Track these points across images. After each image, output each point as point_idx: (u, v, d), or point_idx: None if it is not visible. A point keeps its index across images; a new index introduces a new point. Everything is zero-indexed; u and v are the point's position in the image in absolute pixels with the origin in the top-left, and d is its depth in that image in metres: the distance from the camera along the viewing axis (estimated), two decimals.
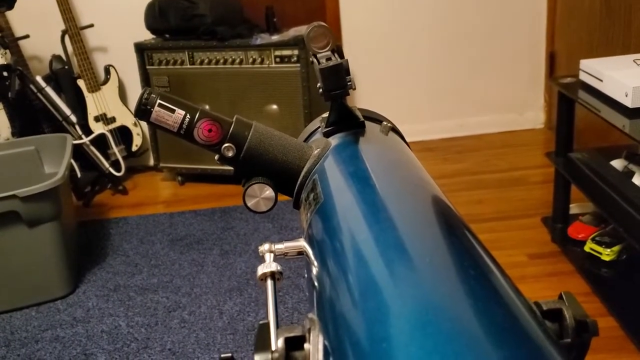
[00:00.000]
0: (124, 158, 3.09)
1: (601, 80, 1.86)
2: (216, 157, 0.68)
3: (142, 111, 0.65)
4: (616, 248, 1.98)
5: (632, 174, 1.89)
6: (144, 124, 3.17)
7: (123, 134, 3.15)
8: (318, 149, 0.68)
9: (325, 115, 0.73)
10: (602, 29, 2.66)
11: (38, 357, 1.89)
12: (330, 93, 0.67)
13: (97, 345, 1.92)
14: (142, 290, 2.21)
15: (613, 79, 1.79)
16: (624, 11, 2.47)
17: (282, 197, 0.69)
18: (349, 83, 0.67)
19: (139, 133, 3.19)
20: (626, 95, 1.73)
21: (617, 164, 1.97)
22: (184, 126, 0.66)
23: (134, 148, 3.19)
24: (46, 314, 2.11)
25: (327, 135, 0.71)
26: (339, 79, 0.66)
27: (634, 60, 1.91)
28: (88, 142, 2.96)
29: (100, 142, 3.03)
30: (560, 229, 2.20)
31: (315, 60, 0.69)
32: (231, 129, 0.66)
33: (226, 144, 0.66)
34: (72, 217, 2.45)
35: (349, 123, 0.71)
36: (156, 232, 2.64)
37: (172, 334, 1.95)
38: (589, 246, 2.03)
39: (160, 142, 3.05)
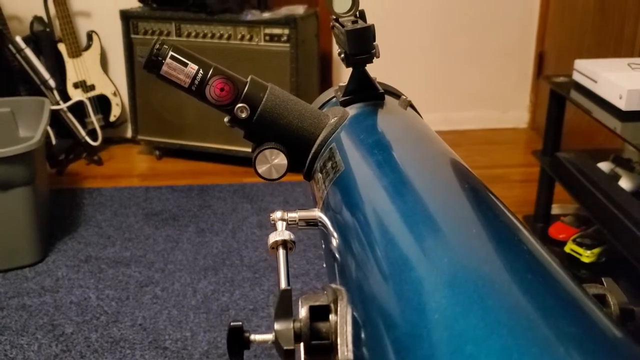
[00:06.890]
0: (101, 128, 3.00)
1: (595, 82, 1.85)
2: (226, 119, 0.65)
3: (153, 62, 0.61)
4: (596, 250, 1.98)
5: (618, 177, 1.89)
6: (124, 94, 3.08)
7: (102, 104, 3.06)
8: (335, 118, 0.65)
9: (342, 84, 0.70)
10: (594, 32, 2.66)
11: (3, 325, 1.82)
12: (355, 57, 0.63)
13: (65, 316, 1.86)
14: (114, 263, 2.15)
15: (608, 81, 1.79)
16: (617, 16, 2.47)
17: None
18: (373, 50, 0.64)
19: (118, 103, 3.11)
20: (620, 98, 1.72)
21: (604, 166, 1.97)
22: (196, 82, 0.61)
23: (112, 118, 3.10)
24: (13, 281, 2.04)
25: (344, 104, 0.68)
26: (366, 43, 0.62)
27: (628, 64, 1.90)
28: (66, 109, 2.87)
29: (78, 110, 2.94)
30: (541, 229, 2.19)
31: (337, 24, 0.66)
32: (246, 88, 0.62)
33: (240, 105, 0.62)
34: (45, 184, 2.37)
35: (368, 93, 0.68)
36: (131, 205, 2.57)
37: (143, 309, 1.90)
38: (569, 247, 2.03)
39: (139, 114, 2.97)
